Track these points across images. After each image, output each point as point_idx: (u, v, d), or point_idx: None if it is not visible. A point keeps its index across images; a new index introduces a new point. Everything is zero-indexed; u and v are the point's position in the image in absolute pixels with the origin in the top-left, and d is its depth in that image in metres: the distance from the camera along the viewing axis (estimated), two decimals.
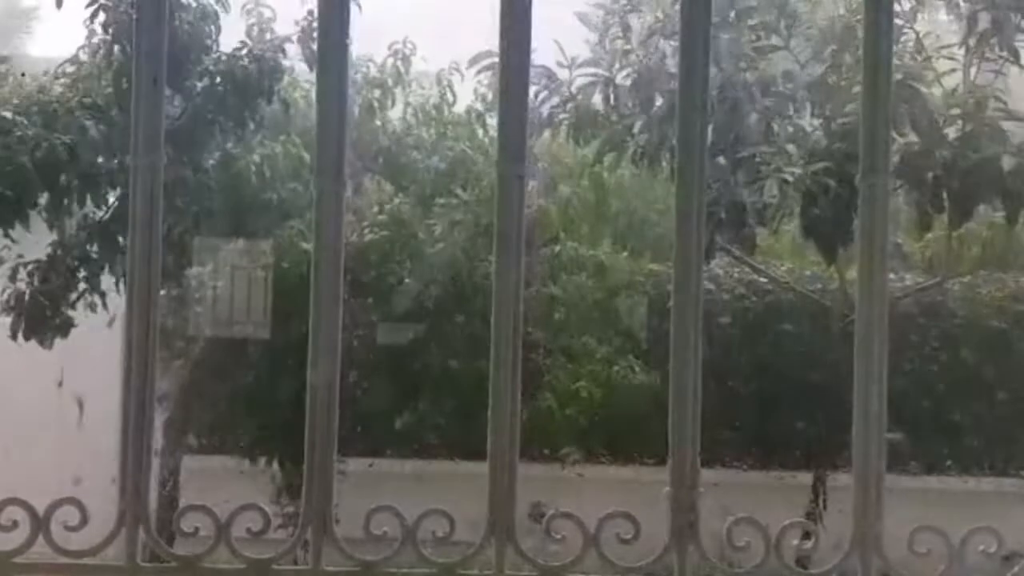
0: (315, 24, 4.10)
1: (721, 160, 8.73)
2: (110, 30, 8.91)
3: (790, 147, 8.79)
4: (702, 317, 2.95)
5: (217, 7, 9.12)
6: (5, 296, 9.20)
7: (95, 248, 9.09)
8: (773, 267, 10.60)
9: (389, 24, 10.28)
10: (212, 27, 9.10)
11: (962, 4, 9.00)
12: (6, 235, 8.82)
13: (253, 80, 9.14)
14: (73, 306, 9.18)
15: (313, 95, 5.05)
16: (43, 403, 10.54)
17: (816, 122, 9.11)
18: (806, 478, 10.00)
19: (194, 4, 9.02)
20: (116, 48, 8.86)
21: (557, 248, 10.58)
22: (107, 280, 9.06)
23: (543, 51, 9.12)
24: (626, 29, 9.44)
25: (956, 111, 8.82)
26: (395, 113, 10.83)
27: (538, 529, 2.91)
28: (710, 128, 3.76)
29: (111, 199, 8.95)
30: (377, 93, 10.62)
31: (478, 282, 9.66)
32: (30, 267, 9.19)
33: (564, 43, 9.39)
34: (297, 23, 9.32)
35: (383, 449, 10.40)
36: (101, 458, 8.07)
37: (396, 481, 9.71)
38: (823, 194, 8.49)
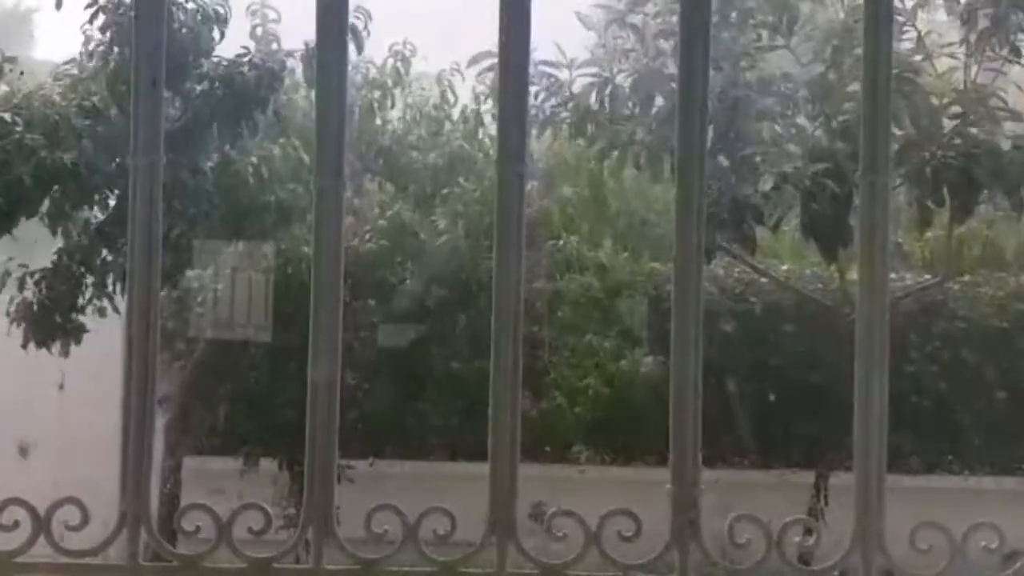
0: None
1: (721, 160, 8.73)
2: (108, 32, 8.91)
3: (791, 146, 8.78)
4: (702, 317, 2.95)
5: (219, 8, 9.10)
6: (14, 307, 9.19)
7: (100, 252, 9.09)
8: (773, 268, 10.59)
9: (389, 25, 10.27)
10: (213, 29, 9.08)
11: (962, 1, 8.99)
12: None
13: (251, 89, 9.09)
14: (82, 311, 9.17)
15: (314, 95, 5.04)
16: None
17: (816, 121, 9.11)
18: (807, 476, 10.00)
19: (193, 6, 9.01)
20: (115, 50, 8.85)
21: (560, 242, 10.60)
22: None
23: (543, 51, 9.13)
24: (626, 29, 9.44)
25: (952, 99, 8.80)
26: (395, 114, 10.83)
27: (539, 530, 2.90)
28: (710, 128, 3.76)
29: (111, 202, 8.95)
30: (377, 94, 10.62)
31: (482, 279, 9.54)
32: (36, 276, 9.20)
33: (564, 43, 9.39)
34: (305, 43, 9.01)
35: (383, 449, 10.41)
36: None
37: (396, 481, 9.71)
38: (823, 193, 8.49)
